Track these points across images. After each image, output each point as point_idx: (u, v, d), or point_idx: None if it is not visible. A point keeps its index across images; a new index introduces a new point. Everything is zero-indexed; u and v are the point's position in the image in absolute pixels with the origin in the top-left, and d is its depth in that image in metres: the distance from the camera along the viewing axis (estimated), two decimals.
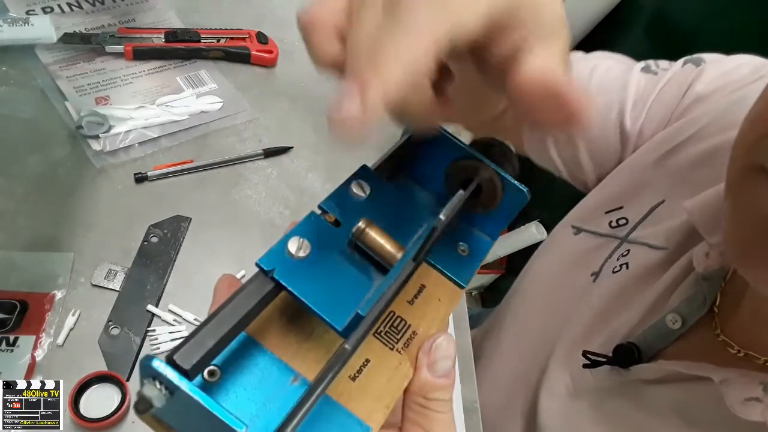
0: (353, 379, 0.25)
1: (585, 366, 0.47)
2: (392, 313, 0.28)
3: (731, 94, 0.48)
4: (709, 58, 0.52)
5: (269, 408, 0.21)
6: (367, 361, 0.26)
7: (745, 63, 0.50)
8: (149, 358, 0.19)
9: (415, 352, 0.27)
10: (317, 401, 0.21)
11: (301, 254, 0.24)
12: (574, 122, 0.22)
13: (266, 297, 0.23)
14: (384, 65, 0.18)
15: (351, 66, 0.20)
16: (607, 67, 0.55)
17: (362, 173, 0.28)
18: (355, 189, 0.27)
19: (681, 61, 0.53)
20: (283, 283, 0.23)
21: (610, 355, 0.46)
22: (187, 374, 0.20)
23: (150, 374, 0.19)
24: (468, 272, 0.30)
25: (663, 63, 0.54)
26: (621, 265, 0.50)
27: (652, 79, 0.53)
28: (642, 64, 0.55)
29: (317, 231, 0.25)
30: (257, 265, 0.23)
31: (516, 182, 0.29)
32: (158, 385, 0.19)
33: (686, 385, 0.42)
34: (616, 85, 0.53)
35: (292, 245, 0.24)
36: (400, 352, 0.27)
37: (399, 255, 0.26)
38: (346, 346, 0.22)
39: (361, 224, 0.26)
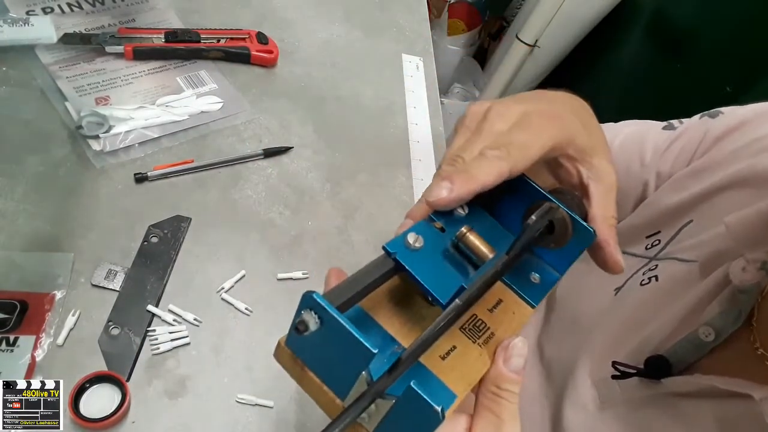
0: (443, 358, 0.31)
1: (614, 377, 0.47)
2: (475, 316, 0.34)
3: (753, 130, 0.51)
4: (726, 109, 0.56)
5: (379, 362, 0.26)
6: (454, 347, 0.32)
7: (761, 105, 0.54)
8: (311, 292, 0.25)
9: (493, 348, 0.32)
10: (419, 355, 0.27)
11: (417, 245, 0.31)
12: (612, 270, 0.37)
13: (387, 273, 0.30)
14: (469, 180, 0.32)
15: (447, 171, 0.34)
16: (632, 130, 0.62)
17: None
18: (458, 208, 0.35)
19: (698, 115, 0.58)
20: (403, 263, 0.30)
21: (641, 366, 0.46)
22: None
23: (309, 305, 0.25)
24: (538, 296, 0.37)
25: (684, 119, 0.59)
26: (650, 278, 0.51)
27: (671, 133, 0.58)
28: (665, 123, 0.60)
29: (427, 233, 0.33)
30: (383, 248, 0.31)
31: (584, 223, 0.35)
32: (313, 315, 0.25)
33: (725, 401, 0.41)
34: (636, 139, 0.60)
35: (411, 238, 0.31)
36: (480, 346, 0.32)
37: (491, 255, 0.33)
38: (456, 302, 0.28)
39: (463, 229, 0.33)
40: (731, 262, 0.44)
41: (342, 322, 0.25)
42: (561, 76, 1.44)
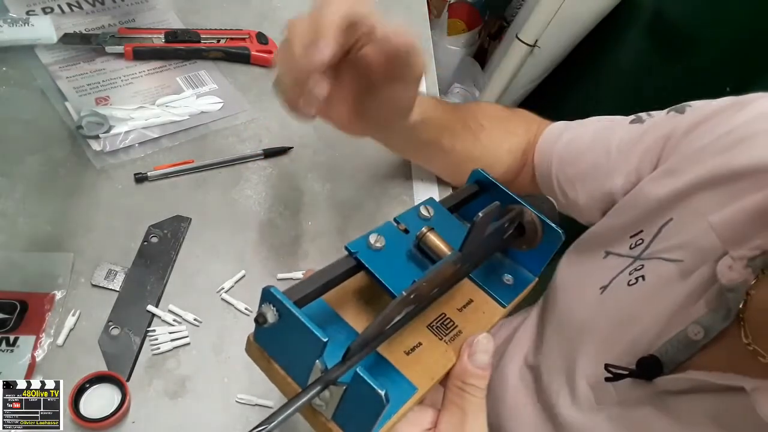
0: (407, 354, 0.32)
1: (607, 379, 0.47)
2: (444, 315, 0.35)
3: (721, 124, 0.51)
4: (695, 103, 0.56)
5: (339, 353, 0.28)
6: (420, 343, 0.33)
7: (726, 99, 0.53)
8: (270, 286, 0.27)
9: (459, 345, 0.33)
10: (368, 344, 0.29)
11: (378, 245, 0.33)
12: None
13: (348, 270, 0.32)
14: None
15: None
16: (601, 126, 0.61)
17: (430, 201, 0.38)
18: (422, 211, 0.36)
19: (665, 110, 0.58)
20: (362, 261, 0.32)
21: (633, 367, 0.46)
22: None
23: (268, 299, 0.27)
24: (510, 296, 0.38)
25: (654, 113, 0.59)
26: (637, 278, 0.51)
27: (638, 128, 0.57)
28: (632, 117, 0.60)
29: (391, 233, 0.34)
30: (346, 248, 0.32)
31: (553, 224, 0.36)
32: (272, 308, 0.27)
33: (719, 396, 0.42)
34: (604, 136, 0.59)
35: (372, 238, 0.33)
36: (447, 343, 0.34)
37: (450, 253, 0.33)
38: (402, 293, 0.28)
39: (424, 229, 0.34)
40: (716, 259, 0.44)
41: (296, 313, 0.26)
42: (561, 76, 1.44)
